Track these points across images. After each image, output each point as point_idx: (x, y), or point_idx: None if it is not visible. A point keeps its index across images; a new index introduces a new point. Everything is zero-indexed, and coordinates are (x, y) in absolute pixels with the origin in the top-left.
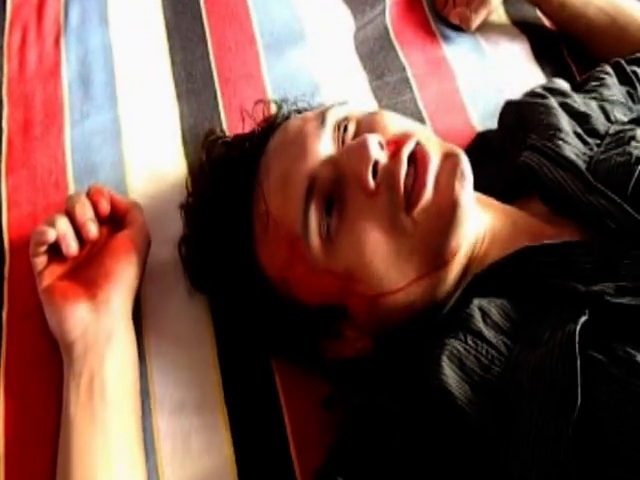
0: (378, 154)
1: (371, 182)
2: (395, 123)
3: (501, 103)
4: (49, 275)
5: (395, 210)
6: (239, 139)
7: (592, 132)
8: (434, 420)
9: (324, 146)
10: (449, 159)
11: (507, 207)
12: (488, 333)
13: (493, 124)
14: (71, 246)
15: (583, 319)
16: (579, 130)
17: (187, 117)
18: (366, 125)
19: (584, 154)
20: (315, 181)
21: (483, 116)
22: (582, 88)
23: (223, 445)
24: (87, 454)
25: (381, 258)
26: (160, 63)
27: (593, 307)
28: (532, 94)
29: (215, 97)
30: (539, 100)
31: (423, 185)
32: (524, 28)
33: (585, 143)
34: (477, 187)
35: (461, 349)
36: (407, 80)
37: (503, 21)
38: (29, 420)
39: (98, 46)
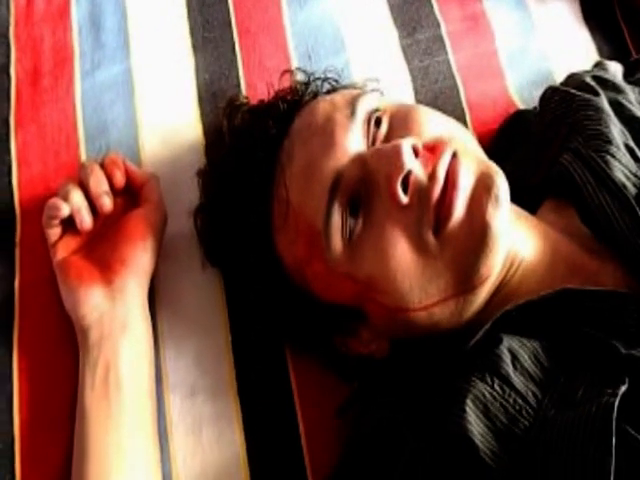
0: (411, 163)
1: (402, 196)
2: (432, 123)
3: (542, 71)
4: (63, 248)
5: (423, 228)
6: (263, 110)
7: None
8: (452, 458)
9: (354, 141)
10: (485, 179)
11: (547, 228)
12: (517, 380)
13: (531, 95)
14: (85, 221)
15: (623, 389)
16: (631, 143)
17: (203, 72)
18: (400, 123)
19: (635, 175)
20: (341, 179)
21: (521, 84)
22: (637, 73)
23: (234, 434)
24: (102, 451)
25: (406, 274)
26: (175, 5)
27: (632, 374)
28: (581, 85)
29: (233, 50)
30: (589, 97)
31: (451, 204)
32: None
33: (637, 160)
34: (510, 173)
35: (487, 394)
36: (441, 39)
37: None
38: (44, 398)
39: None
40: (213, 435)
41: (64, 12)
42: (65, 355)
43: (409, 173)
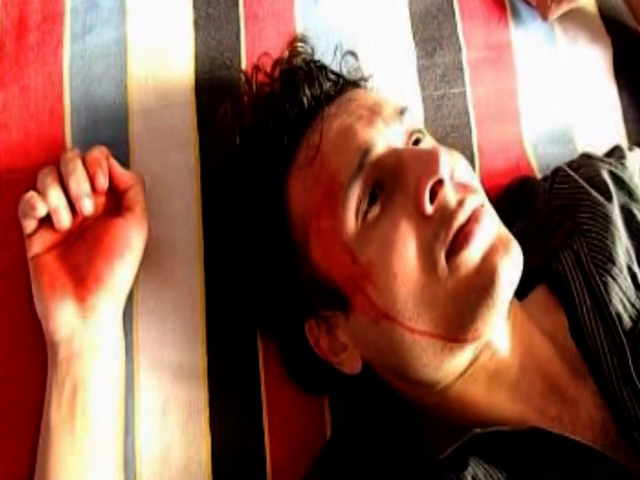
0: (445, 174)
1: (428, 204)
2: (467, 171)
3: (561, 124)
4: (39, 242)
5: (437, 245)
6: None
7: None
8: None
9: (395, 136)
10: (505, 239)
11: (533, 330)
12: None
13: (545, 151)
14: (63, 221)
15: None
16: (635, 267)
17: (202, 56)
18: None
19: (632, 305)
20: (375, 153)
21: (539, 137)
22: None
23: (201, 460)
24: (63, 473)
25: (406, 279)
26: None
27: None
28: (595, 179)
29: (237, 35)
30: (601, 201)
31: (470, 234)
32: (611, 27)
33: (638, 287)
34: None
35: None
36: (460, 67)
37: (590, 9)
38: (10, 402)
39: None
40: (181, 460)
41: None
42: (36, 351)
43: (440, 182)
